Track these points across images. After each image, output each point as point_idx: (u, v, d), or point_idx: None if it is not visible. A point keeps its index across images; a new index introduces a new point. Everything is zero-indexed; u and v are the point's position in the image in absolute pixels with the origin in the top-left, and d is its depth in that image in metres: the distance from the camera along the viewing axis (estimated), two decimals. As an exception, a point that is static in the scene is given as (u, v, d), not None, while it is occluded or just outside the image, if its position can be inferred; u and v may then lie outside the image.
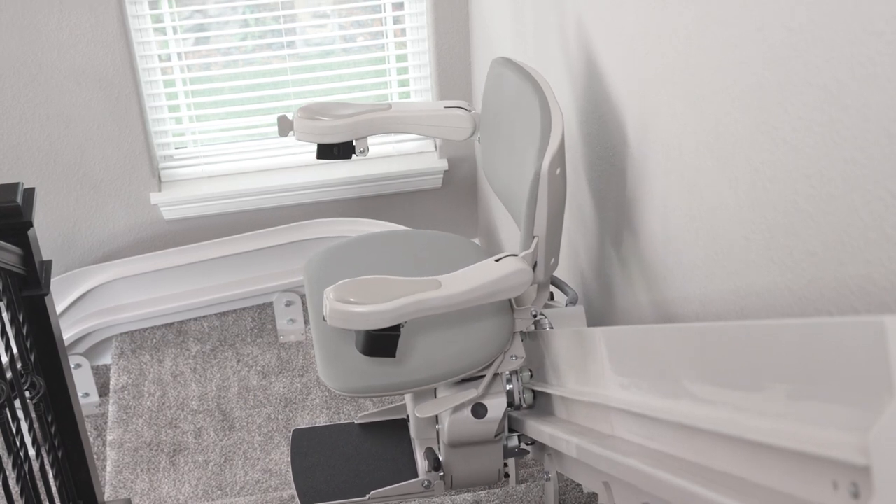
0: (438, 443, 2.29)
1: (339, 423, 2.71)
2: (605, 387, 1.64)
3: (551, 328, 2.09)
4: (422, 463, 2.34)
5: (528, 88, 2.00)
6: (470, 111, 2.28)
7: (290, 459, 2.58)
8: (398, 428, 2.64)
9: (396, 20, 3.43)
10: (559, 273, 2.29)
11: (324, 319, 1.83)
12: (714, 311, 1.69)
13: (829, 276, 1.29)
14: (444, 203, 3.70)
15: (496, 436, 2.14)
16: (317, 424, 3.11)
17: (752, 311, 1.54)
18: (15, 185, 2.08)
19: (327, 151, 2.28)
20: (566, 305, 2.23)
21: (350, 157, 2.29)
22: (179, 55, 3.36)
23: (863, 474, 0.85)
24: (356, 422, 2.67)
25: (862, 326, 0.85)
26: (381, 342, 1.84)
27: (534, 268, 1.94)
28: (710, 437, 1.19)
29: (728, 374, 1.14)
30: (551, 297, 2.24)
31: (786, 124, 1.35)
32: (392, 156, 3.59)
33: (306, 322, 3.45)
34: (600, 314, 2.33)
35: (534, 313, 2.10)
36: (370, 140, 2.33)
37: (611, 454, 1.48)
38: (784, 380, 1.00)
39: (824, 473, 0.92)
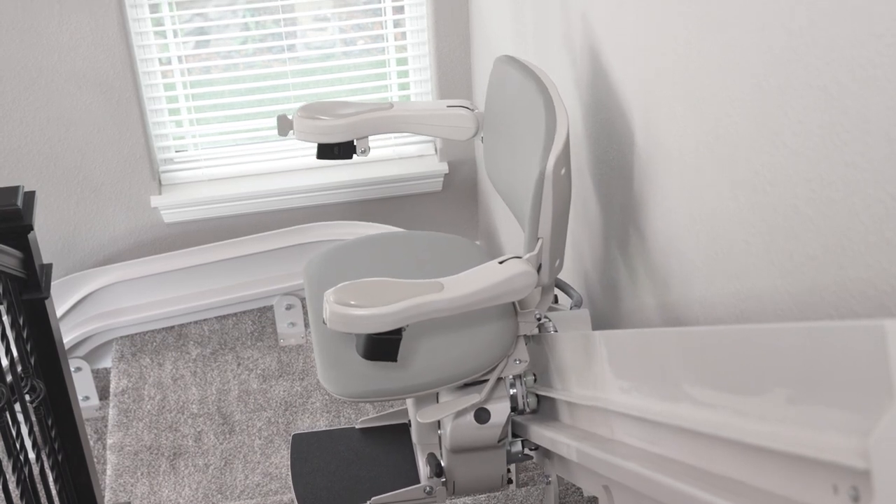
0: (440, 448, 2.25)
1: (339, 427, 2.69)
2: (606, 390, 1.64)
3: (555, 331, 2.07)
4: (424, 469, 2.31)
5: (533, 87, 1.97)
6: (473, 111, 2.24)
7: (289, 464, 2.57)
8: (399, 433, 2.62)
9: (397, 23, 3.43)
10: (563, 275, 2.27)
11: (324, 323, 1.80)
12: (714, 315, 1.69)
13: (830, 279, 1.29)
14: (445, 206, 3.70)
15: (499, 441, 2.11)
16: (317, 429, 3.11)
17: (752, 315, 1.54)
18: (15, 189, 2.08)
19: (328, 151, 2.24)
20: (571, 308, 2.20)
21: (351, 157, 2.25)
22: (180, 58, 3.36)
23: (863, 478, 0.85)
24: (357, 426, 2.64)
25: (862, 330, 0.85)
26: (382, 346, 1.80)
27: (538, 270, 1.91)
28: (710, 441, 1.19)
29: (728, 378, 1.14)
30: (555, 300, 2.21)
31: (786, 128, 1.35)
32: (392, 159, 3.59)
33: (307, 325, 3.45)
34: (606, 317, 2.32)
35: (538, 316, 2.07)
36: (371, 141, 2.30)
37: (611, 458, 1.48)
38: (784, 383, 1.00)
39: (824, 477, 0.92)
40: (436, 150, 3.60)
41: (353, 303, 1.76)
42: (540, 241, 1.90)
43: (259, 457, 3.08)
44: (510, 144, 2.09)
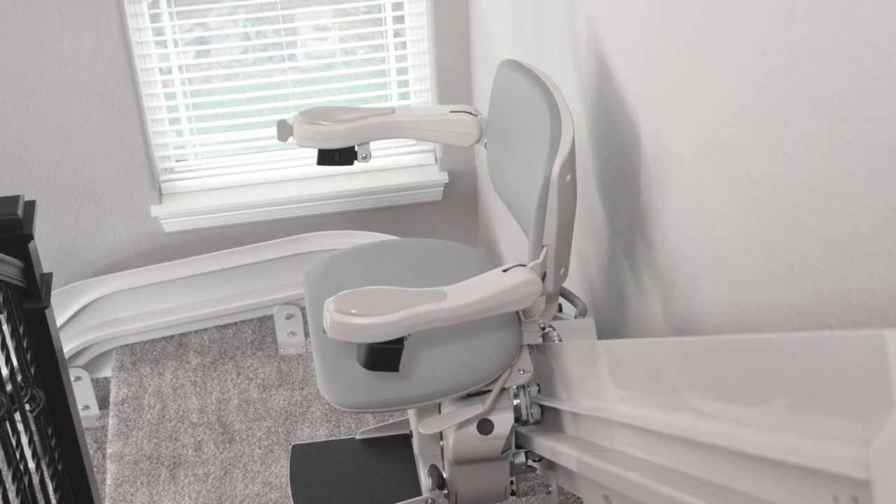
0: (443, 459, 2.22)
1: (339, 438, 2.68)
2: (607, 400, 1.64)
3: (560, 341, 2.03)
4: (425, 480, 2.28)
5: (537, 91, 1.94)
6: (476, 116, 2.20)
7: (289, 475, 2.55)
8: (401, 444, 2.59)
9: (397, 33, 3.43)
10: (568, 284, 2.24)
11: (324, 332, 1.76)
12: (715, 324, 1.69)
13: (830, 289, 1.29)
14: (445, 216, 3.71)
15: (503, 452, 2.09)
16: (317, 439, 3.11)
17: (752, 325, 1.54)
18: (16, 198, 2.08)
19: (328, 157, 2.21)
20: (575, 317, 2.17)
21: (352, 163, 2.22)
22: (180, 68, 3.36)
23: (863, 488, 0.85)
24: (357, 437, 2.62)
25: (862, 340, 0.85)
26: (383, 356, 1.77)
27: (543, 278, 1.88)
28: (710, 451, 1.19)
29: (729, 388, 1.14)
30: (560, 309, 2.18)
31: (786, 138, 1.35)
32: (392, 168, 3.60)
33: (307, 335, 3.45)
34: (611, 326, 2.30)
35: (542, 326, 2.04)
36: (371, 150, 2.26)
37: (611, 468, 1.48)
38: (784, 393, 1.00)
39: (825, 487, 0.92)
40: (436, 160, 3.61)
41: (353, 311, 1.73)
42: (545, 249, 1.87)
43: (259, 466, 3.08)
44: (514, 150, 2.07)
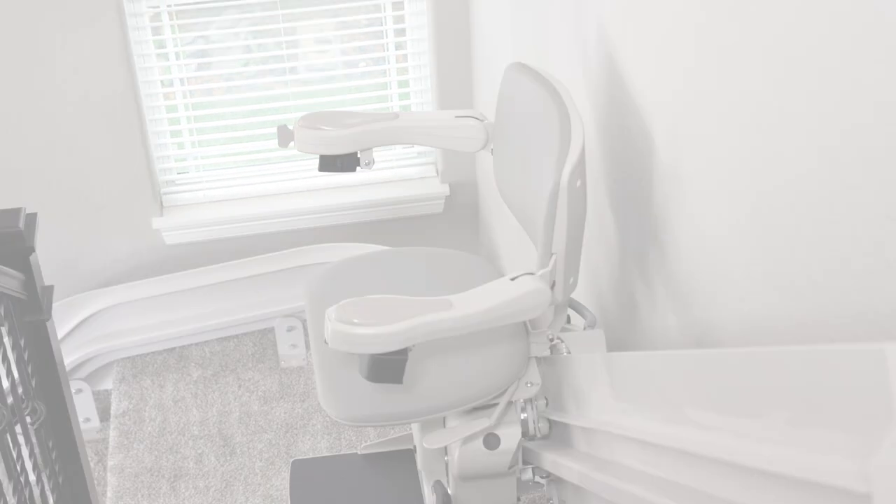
0: (447, 475, 2.17)
1: (341, 453, 2.65)
2: (609, 413, 1.64)
3: (569, 353, 1.99)
4: (429, 497, 2.24)
5: (546, 95, 1.90)
6: (482, 121, 2.15)
7: (289, 492, 2.53)
8: (404, 459, 2.55)
9: (398, 45, 3.44)
10: (576, 295, 2.20)
11: (325, 342, 1.71)
12: (716, 338, 1.68)
13: (831, 302, 1.29)
14: (446, 228, 3.71)
15: (510, 468, 2.03)
16: (318, 452, 3.10)
17: (753, 338, 1.54)
18: (17, 211, 2.08)
19: (330, 164, 2.15)
20: (584, 329, 2.12)
21: (354, 169, 2.16)
22: (182, 81, 3.37)
23: (864, 501, 0.85)
24: (359, 452, 2.58)
25: (863, 354, 0.85)
26: (386, 367, 1.71)
27: (552, 287, 1.83)
28: (711, 464, 1.19)
29: (730, 401, 1.14)
30: (568, 321, 2.13)
31: (786, 150, 1.35)
32: (393, 181, 3.60)
33: (308, 347, 3.45)
34: (622, 338, 2.25)
35: (550, 337, 2.00)
36: (374, 158, 2.20)
37: (613, 481, 1.47)
38: (785, 407, 1.00)
39: (826, 500, 0.92)
40: (437, 172, 3.61)
41: (356, 321, 1.67)
42: (554, 257, 1.81)
43: (260, 479, 3.07)
44: (522, 155, 2.02)
